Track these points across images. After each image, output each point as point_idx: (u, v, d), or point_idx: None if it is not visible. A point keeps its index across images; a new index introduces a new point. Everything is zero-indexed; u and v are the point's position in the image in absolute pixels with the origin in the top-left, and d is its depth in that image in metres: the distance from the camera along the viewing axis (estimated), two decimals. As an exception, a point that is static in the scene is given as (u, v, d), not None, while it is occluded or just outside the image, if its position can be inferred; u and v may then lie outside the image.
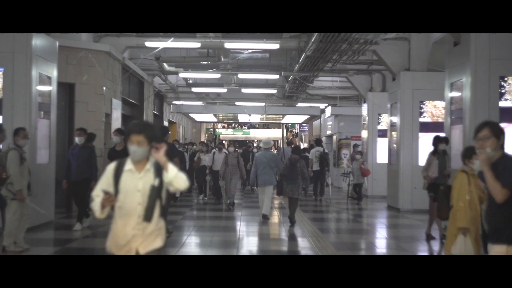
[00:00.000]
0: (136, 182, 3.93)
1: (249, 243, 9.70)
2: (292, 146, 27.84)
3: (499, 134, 4.13)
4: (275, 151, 20.33)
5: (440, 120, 13.79)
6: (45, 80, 10.64)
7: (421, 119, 14.36)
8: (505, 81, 10.04)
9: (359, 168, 16.05)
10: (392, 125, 15.49)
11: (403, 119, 14.41)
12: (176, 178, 3.88)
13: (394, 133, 15.30)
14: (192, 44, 15.40)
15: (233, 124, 49.36)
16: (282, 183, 11.53)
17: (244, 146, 24.16)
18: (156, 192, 3.92)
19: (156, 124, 3.61)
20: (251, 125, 49.78)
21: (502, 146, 4.14)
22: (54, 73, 10.99)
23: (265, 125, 49.71)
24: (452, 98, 11.12)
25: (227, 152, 14.65)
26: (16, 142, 7.92)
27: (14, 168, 7.67)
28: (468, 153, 6.01)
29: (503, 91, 10.03)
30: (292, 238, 10.14)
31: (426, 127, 14.31)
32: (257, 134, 50.81)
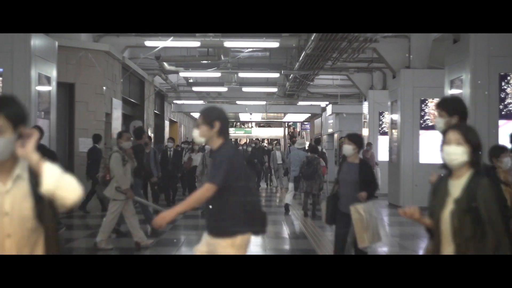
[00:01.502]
0: (0, 200, 2.39)
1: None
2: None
3: (212, 122, 4.03)
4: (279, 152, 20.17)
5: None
6: (44, 80, 10.65)
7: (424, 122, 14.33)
8: (507, 82, 10.04)
9: None
10: (393, 123, 15.47)
11: (404, 117, 14.39)
12: (60, 187, 2.31)
13: (394, 131, 15.29)
14: (192, 43, 15.40)
15: (234, 123, 49.36)
16: (299, 179, 12.62)
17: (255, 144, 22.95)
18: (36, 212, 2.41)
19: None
20: (258, 124, 49.78)
21: (220, 134, 4.06)
22: (53, 73, 11.00)
23: (267, 124, 49.71)
24: (451, 95, 11.11)
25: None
26: (120, 145, 8.37)
27: (117, 169, 8.11)
28: (496, 152, 5.86)
29: (502, 95, 10.03)
30: (293, 236, 10.15)
31: (427, 125, 14.30)
32: (258, 133, 50.80)
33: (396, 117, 15.02)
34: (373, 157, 17.07)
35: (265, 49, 18.58)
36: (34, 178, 2.39)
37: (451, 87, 11.10)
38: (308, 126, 39.15)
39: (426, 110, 14.28)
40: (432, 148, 13.88)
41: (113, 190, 8.14)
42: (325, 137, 28.19)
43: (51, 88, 10.95)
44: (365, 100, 19.38)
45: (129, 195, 8.25)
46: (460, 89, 10.63)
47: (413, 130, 14.25)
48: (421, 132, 14.24)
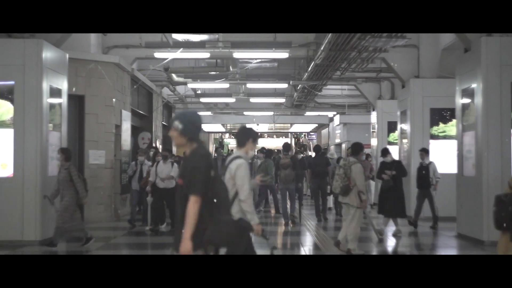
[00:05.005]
0: None
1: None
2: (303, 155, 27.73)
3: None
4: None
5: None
6: (55, 92, 10.66)
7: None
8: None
9: None
10: (403, 133, 15.41)
11: (414, 127, 14.34)
12: None
13: (404, 141, 15.22)
14: (201, 54, 15.40)
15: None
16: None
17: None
18: None
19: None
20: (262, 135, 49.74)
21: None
22: (64, 85, 11.02)
23: (276, 135, 49.68)
24: (463, 104, 11.06)
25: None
26: (358, 157, 9.21)
27: (360, 179, 8.80)
28: None
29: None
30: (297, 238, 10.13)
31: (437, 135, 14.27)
32: (264, 143, 50.70)
33: (405, 127, 14.96)
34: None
35: (273, 60, 18.57)
36: None
37: (463, 96, 11.05)
38: (315, 136, 39.10)
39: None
40: (443, 157, 13.81)
41: (356, 198, 8.81)
42: (332, 147, 28.17)
43: (62, 100, 10.96)
44: (373, 110, 19.33)
45: (363, 205, 8.97)
46: (471, 98, 10.58)
47: (423, 139, 14.18)
48: (431, 141, 14.17)
